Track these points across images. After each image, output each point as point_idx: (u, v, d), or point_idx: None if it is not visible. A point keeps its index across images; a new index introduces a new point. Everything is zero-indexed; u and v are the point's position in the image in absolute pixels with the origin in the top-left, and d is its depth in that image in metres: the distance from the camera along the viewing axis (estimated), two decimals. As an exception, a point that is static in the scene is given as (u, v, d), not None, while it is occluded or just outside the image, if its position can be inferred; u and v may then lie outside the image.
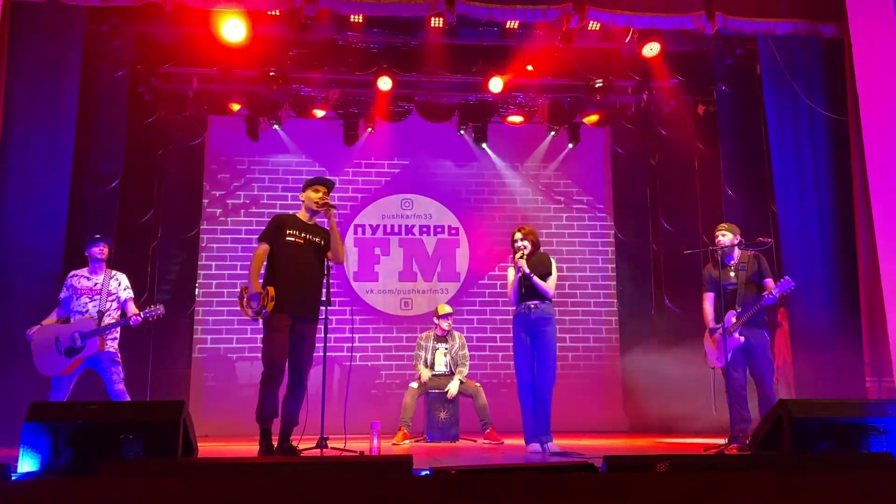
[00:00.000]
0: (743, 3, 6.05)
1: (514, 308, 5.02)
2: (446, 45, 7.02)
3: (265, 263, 4.51)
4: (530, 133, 8.67)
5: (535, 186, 8.76)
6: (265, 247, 4.49)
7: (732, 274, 5.23)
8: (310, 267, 4.48)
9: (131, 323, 4.91)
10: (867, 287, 5.74)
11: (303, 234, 4.52)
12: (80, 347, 4.77)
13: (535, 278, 4.83)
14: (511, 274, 5.04)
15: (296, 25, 6.48)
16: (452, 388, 6.41)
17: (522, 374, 4.90)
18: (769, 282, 5.17)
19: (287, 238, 4.47)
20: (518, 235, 4.98)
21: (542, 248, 5.14)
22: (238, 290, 4.56)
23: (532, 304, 4.88)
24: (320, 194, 4.56)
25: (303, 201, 4.66)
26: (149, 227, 7.50)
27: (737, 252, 5.25)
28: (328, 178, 4.84)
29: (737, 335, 5.05)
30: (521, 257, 4.88)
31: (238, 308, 4.47)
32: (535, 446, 4.87)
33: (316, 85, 7.62)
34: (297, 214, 4.67)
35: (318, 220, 4.67)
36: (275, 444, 4.34)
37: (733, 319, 5.08)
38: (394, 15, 6.24)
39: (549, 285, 4.90)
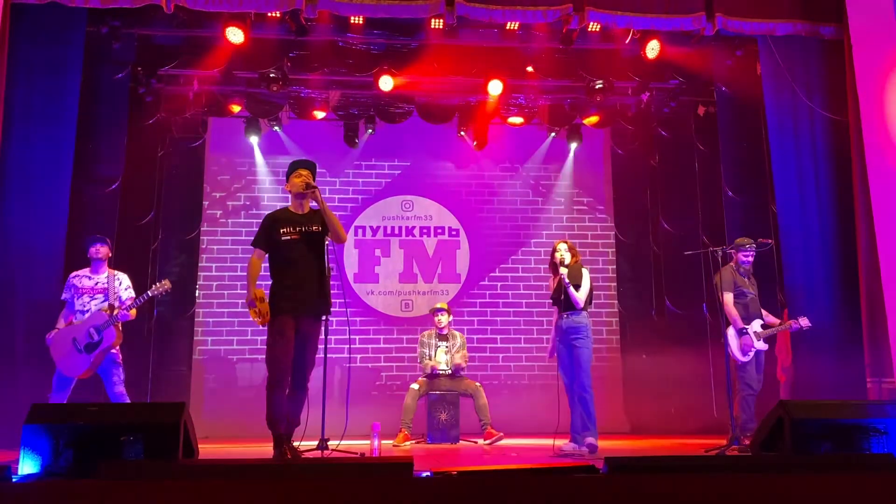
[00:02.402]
0: (743, 3, 6.06)
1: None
2: (446, 47, 7.02)
3: (266, 265, 4.50)
4: (531, 134, 8.67)
5: (536, 188, 8.76)
6: (258, 252, 4.48)
7: (747, 281, 5.54)
8: (309, 263, 4.40)
9: (142, 298, 4.93)
10: (867, 288, 5.74)
11: (298, 228, 4.43)
12: (98, 341, 4.81)
13: (571, 288, 5.04)
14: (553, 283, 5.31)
15: (296, 27, 6.48)
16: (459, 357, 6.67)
17: (563, 376, 5.18)
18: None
19: (283, 238, 4.41)
20: (562, 246, 5.21)
21: (552, 254, 5.32)
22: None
23: (564, 314, 5.14)
24: (302, 178, 4.47)
25: (289, 191, 4.56)
26: (149, 229, 7.50)
27: None
28: (308, 160, 4.70)
29: (762, 341, 5.42)
30: (563, 265, 5.11)
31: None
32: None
33: (316, 86, 7.61)
34: (289, 207, 4.58)
35: (312, 205, 4.54)
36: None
37: (759, 328, 5.43)
38: (394, 16, 6.23)
39: (580, 296, 5.06)
